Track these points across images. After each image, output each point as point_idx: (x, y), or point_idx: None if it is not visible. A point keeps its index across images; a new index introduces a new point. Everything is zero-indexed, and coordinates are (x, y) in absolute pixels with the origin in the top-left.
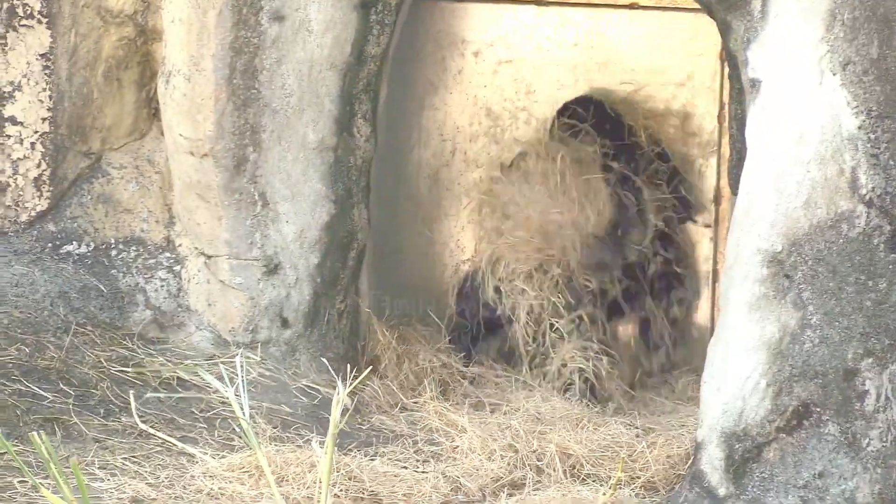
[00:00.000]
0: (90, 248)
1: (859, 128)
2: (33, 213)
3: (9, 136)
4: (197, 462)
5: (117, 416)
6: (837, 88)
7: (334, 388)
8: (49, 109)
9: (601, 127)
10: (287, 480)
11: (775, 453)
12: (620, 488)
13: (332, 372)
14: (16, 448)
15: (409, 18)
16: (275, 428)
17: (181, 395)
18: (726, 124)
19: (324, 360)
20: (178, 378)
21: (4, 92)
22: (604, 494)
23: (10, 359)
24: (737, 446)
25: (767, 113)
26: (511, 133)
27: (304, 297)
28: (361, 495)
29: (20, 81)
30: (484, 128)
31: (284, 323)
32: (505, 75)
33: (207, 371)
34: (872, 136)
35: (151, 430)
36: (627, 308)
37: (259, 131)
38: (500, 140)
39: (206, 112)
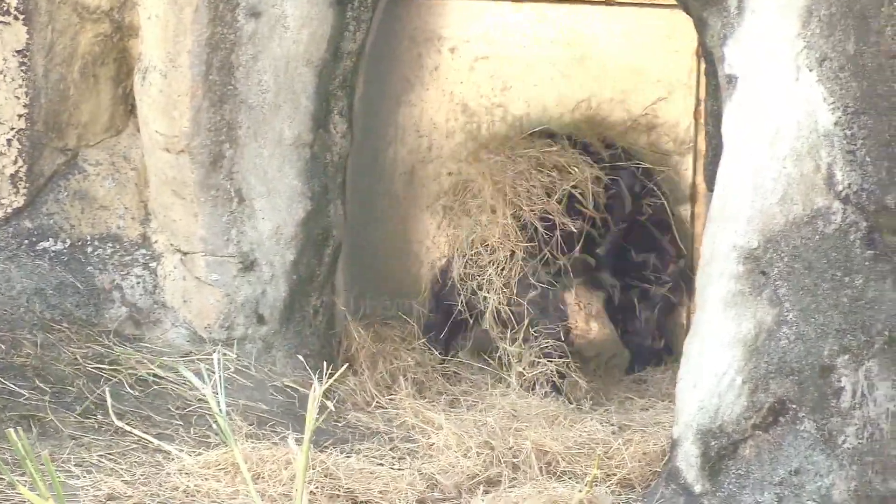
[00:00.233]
0: (66, 245)
1: (835, 124)
2: (9, 210)
3: None
4: (173, 459)
5: (93, 412)
6: (814, 84)
7: (310, 385)
8: (25, 106)
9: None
10: (263, 478)
11: (751, 450)
12: (596, 485)
13: (309, 369)
14: None
15: (386, 15)
16: (251, 425)
17: (157, 389)
18: (702, 121)
19: (300, 357)
20: (154, 375)
21: None
22: (580, 492)
23: None
24: (712, 443)
25: (744, 109)
26: (487, 129)
27: (280, 293)
28: (337, 492)
29: None
30: (460, 124)
31: (260, 320)
32: (481, 72)
33: (184, 368)
34: (849, 133)
35: (127, 427)
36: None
37: (235, 128)
38: (476, 136)
39: (182, 108)
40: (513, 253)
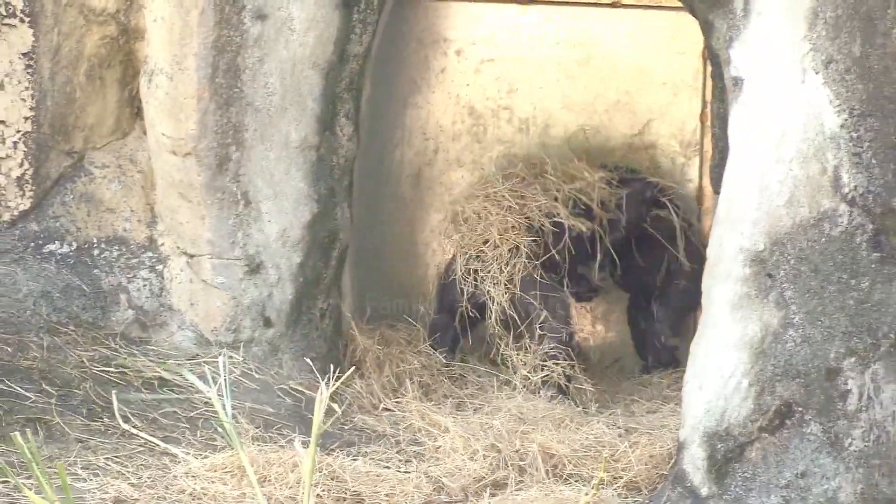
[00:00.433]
0: (73, 248)
1: (841, 126)
2: (16, 213)
3: None
4: (179, 462)
5: (100, 416)
6: (820, 87)
7: (317, 388)
8: (32, 108)
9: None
10: (270, 480)
11: (757, 453)
12: (603, 488)
13: (315, 372)
14: None
15: (392, 17)
16: (257, 428)
17: (164, 396)
18: (708, 123)
19: (306, 359)
20: (160, 378)
21: None
22: (586, 494)
23: None
24: (719, 446)
25: (750, 111)
26: (493, 132)
27: (287, 296)
28: (344, 495)
29: (2, 80)
30: (466, 126)
31: (267, 322)
32: (487, 74)
33: (190, 371)
34: (855, 135)
35: (134, 430)
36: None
37: (242, 130)
38: (482, 139)
39: (188, 111)
40: (517, 248)
